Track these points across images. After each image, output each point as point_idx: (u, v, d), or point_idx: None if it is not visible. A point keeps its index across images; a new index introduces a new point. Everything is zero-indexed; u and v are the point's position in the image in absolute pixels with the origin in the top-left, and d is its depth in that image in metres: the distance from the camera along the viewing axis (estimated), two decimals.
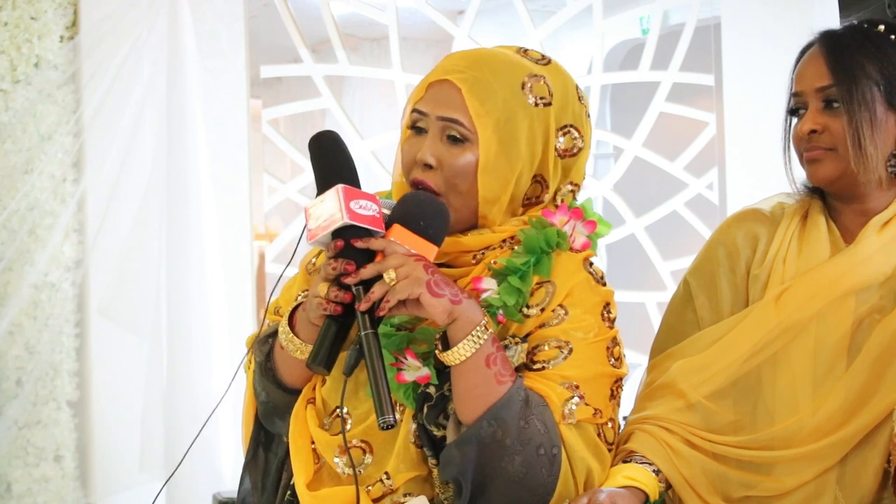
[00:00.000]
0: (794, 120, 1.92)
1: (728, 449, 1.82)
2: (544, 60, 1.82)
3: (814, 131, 1.85)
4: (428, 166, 1.73)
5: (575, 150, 1.80)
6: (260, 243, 4.65)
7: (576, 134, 1.79)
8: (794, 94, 1.90)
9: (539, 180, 1.78)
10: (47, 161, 3.60)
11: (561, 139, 1.78)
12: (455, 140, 1.73)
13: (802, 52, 1.92)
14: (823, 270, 1.86)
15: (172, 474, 1.94)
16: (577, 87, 1.83)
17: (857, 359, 1.80)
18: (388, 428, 1.57)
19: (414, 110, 1.77)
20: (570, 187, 1.82)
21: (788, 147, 1.94)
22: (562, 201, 1.81)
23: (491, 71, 1.75)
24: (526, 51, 1.83)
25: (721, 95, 4.09)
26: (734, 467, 1.82)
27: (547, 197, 1.80)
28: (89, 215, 3.68)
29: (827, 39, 1.88)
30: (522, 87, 1.75)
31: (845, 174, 1.85)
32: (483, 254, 1.76)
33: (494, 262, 1.73)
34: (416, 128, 1.77)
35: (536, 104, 1.75)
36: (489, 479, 1.63)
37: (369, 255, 1.62)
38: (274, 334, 1.82)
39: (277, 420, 1.84)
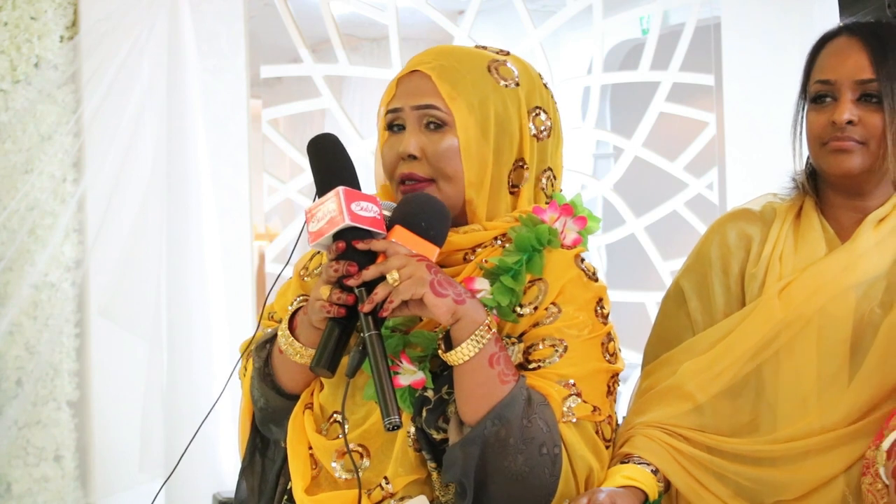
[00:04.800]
0: (805, 105, 1.90)
1: (737, 446, 1.82)
2: (503, 52, 1.85)
3: (850, 122, 1.84)
4: (412, 157, 1.74)
5: (546, 132, 1.81)
6: (260, 243, 4.65)
7: (544, 116, 1.81)
8: (823, 82, 1.87)
9: (520, 165, 1.79)
10: (47, 161, 3.60)
11: (533, 121, 1.79)
12: (434, 126, 1.74)
13: (825, 40, 1.90)
14: (823, 266, 1.86)
15: (171, 474, 1.94)
16: (540, 75, 1.85)
17: (866, 359, 1.80)
18: (394, 429, 1.57)
19: (388, 111, 1.78)
20: (547, 173, 1.83)
21: (800, 133, 1.92)
22: (549, 198, 1.81)
23: (456, 58, 1.78)
24: (484, 46, 1.86)
25: (721, 95, 4.08)
26: (742, 464, 1.81)
27: (528, 182, 1.80)
28: (89, 215, 3.68)
29: (866, 33, 1.87)
30: (489, 70, 1.78)
31: (869, 169, 1.85)
32: (474, 252, 1.76)
33: (486, 262, 1.73)
34: (392, 127, 1.78)
35: (506, 85, 1.77)
36: (491, 479, 1.63)
37: (371, 257, 1.62)
38: (272, 339, 1.81)
39: (274, 426, 1.84)
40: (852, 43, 1.87)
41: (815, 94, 1.88)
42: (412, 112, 1.75)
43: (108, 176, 3.63)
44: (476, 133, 1.74)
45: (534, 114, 1.80)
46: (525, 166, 1.79)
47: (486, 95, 1.75)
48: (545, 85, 1.85)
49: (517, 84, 1.79)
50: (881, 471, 1.67)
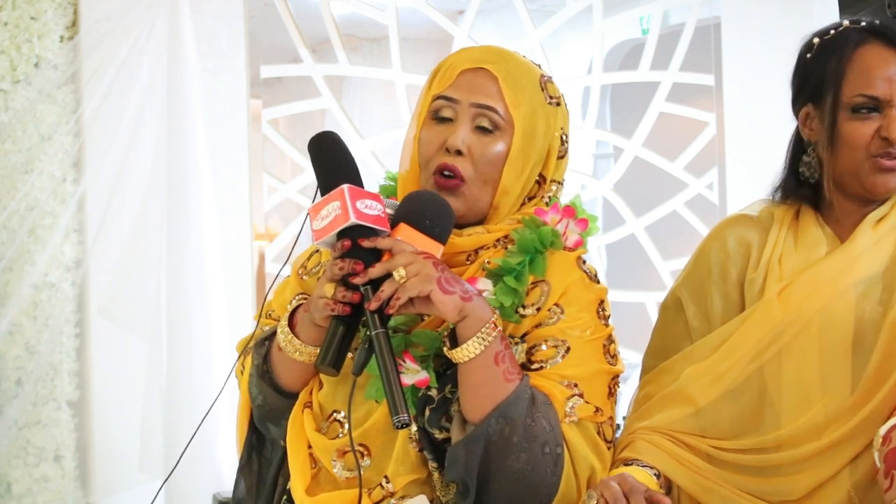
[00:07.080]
0: (835, 114, 1.84)
1: (738, 455, 1.81)
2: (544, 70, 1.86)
3: None
4: (458, 152, 1.73)
5: (565, 153, 1.83)
6: (260, 243, 4.65)
7: (565, 137, 1.83)
8: (869, 97, 1.82)
9: (539, 180, 1.80)
10: (47, 161, 3.60)
11: (559, 141, 1.81)
12: (485, 130, 1.74)
13: (853, 46, 1.85)
14: (822, 267, 1.86)
15: (171, 474, 1.94)
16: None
17: (871, 358, 1.79)
18: (402, 427, 1.57)
19: (440, 97, 1.77)
20: (554, 185, 1.84)
21: (834, 143, 1.86)
22: (551, 201, 1.82)
23: (517, 66, 1.79)
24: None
25: (721, 95, 4.09)
26: (746, 473, 1.81)
27: (538, 196, 1.82)
28: (89, 215, 3.68)
29: None
30: (541, 85, 1.79)
31: None
32: (477, 253, 1.76)
33: (488, 262, 1.74)
34: (439, 117, 1.77)
35: (550, 103, 1.79)
36: (494, 477, 1.63)
37: (376, 255, 1.61)
38: (271, 336, 1.81)
39: (271, 425, 1.84)
40: (891, 54, 1.84)
41: (857, 105, 1.83)
42: (470, 108, 1.75)
43: (108, 176, 3.63)
44: (523, 144, 1.75)
45: (561, 134, 1.81)
46: (542, 182, 1.81)
47: (537, 109, 1.77)
48: (567, 106, 1.86)
49: (558, 104, 1.80)
50: (875, 455, 1.66)
